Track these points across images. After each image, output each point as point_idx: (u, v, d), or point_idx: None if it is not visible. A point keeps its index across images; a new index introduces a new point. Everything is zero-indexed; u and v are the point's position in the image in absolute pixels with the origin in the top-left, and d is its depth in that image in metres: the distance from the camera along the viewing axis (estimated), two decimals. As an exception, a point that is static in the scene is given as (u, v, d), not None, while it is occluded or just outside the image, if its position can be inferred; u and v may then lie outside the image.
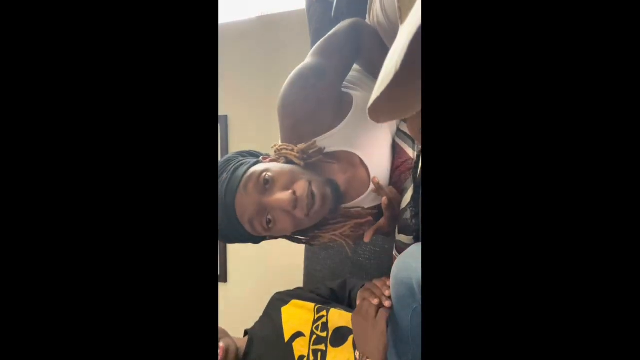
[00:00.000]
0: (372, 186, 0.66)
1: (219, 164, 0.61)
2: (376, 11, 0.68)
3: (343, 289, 0.90)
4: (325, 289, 0.92)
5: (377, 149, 0.68)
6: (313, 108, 0.60)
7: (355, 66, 0.74)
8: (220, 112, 1.75)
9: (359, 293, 0.69)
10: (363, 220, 0.66)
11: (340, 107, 0.62)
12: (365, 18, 0.77)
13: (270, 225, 0.57)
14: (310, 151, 0.61)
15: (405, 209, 0.70)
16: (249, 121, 1.74)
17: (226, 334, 0.76)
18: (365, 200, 0.68)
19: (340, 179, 0.64)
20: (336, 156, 0.64)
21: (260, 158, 0.66)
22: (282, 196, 0.54)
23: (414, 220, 0.65)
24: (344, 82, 0.68)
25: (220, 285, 1.91)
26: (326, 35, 0.66)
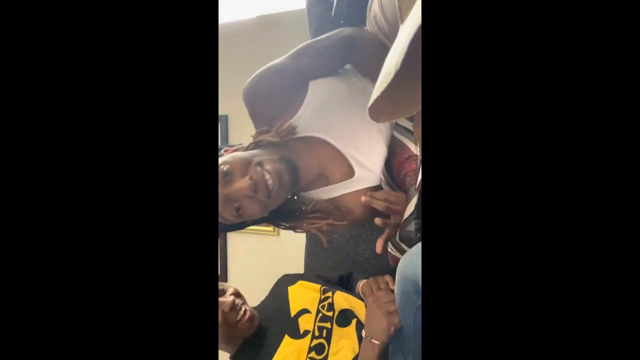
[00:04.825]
0: (363, 198, 0.69)
1: None
2: (375, 11, 0.69)
3: (348, 279, 0.98)
4: (333, 275, 0.99)
5: (362, 141, 0.73)
6: (268, 99, 0.68)
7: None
8: (220, 112, 1.75)
9: (365, 283, 0.79)
10: (337, 223, 0.71)
11: (295, 100, 0.68)
12: (365, 19, 0.78)
13: (239, 212, 0.62)
14: (284, 130, 0.68)
15: (409, 220, 0.69)
16: (249, 121, 1.74)
17: (245, 302, 0.81)
18: (351, 184, 0.73)
19: (312, 162, 0.70)
20: (305, 140, 0.70)
21: (222, 151, 0.71)
22: (242, 184, 0.59)
23: (417, 234, 0.66)
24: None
25: (221, 285, 1.90)
26: (316, 39, 0.72)
